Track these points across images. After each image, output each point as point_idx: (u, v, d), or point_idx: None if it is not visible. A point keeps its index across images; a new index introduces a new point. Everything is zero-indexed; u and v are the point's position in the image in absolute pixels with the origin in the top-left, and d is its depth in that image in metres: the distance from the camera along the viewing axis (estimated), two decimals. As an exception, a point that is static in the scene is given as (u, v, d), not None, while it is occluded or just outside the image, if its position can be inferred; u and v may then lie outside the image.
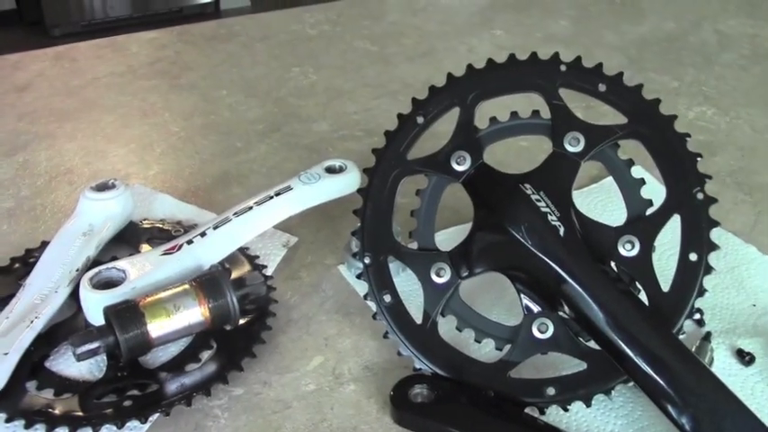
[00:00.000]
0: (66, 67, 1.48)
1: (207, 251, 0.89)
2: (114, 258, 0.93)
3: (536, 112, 0.83)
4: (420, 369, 0.81)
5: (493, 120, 0.84)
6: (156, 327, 0.79)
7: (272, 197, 0.94)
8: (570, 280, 0.77)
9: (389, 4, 1.75)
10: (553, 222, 0.78)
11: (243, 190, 1.10)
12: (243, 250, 0.95)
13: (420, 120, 0.83)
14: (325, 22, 1.63)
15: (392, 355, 0.83)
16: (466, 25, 1.62)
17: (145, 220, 1.02)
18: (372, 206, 0.83)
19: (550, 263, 0.78)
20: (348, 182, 0.97)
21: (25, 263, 0.95)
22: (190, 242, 0.89)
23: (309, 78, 1.41)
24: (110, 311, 0.79)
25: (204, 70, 1.46)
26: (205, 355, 0.83)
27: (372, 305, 0.82)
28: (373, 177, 0.83)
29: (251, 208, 0.93)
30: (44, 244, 0.96)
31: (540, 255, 0.78)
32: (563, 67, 0.82)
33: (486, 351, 0.83)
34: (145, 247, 0.96)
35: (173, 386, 0.80)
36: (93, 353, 0.78)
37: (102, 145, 1.23)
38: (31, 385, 0.80)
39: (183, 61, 1.49)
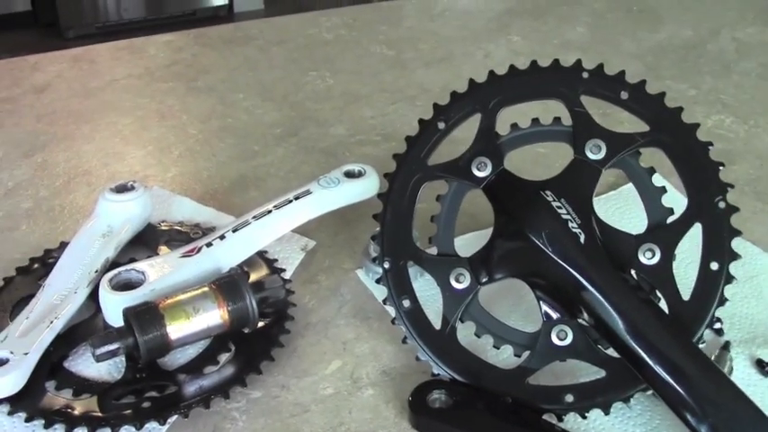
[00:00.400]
0: (85, 69, 1.48)
1: (226, 254, 0.90)
2: (133, 260, 0.93)
3: (557, 119, 0.83)
4: (438, 374, 0.80)
5: (514, 126, 0.84)
6: (176, 329, 0.79)
7: (291, 201, 0.94)
8: (590, 287, 0.77)
9: (406, 8, 1.75)
10: (574, 230, 0.78)
11: (260, 193, 1.11)
12: (261, 254, 0.95)
13: (441, 125, 0.83)
14: (341, 26, 1.64)
15: (410, 360, 0.83)
16: (483, 31, 1.63)
17: (163, 222, 1.02)
18: (392, 211, 0.83)
19: (571, 270, 0.77)
20: (367, 186, 0.98)
21: (44, 263, 0.96)
22: (209, 245, 0.90)
23: (326, 82, 1.41)
24: (129, 313, 0.80)
25: (221, 73, 1.46)
26: (223, 357, 0.84)
27: (391, 310, 0.82)
28: (394, 182, 0.83)
29: (270, 211, 0.93)
30: (63, 244, 0.96)
31: (561, 262, 0.78)
32: (585, 75, 0.82)
33: (504, 357, 0.83)
34: (163, 249, 0.96)
35: (191, 388, 0.80)
36: (112, 354, 0.78)
37: (119, 147, 1.24)
38: (50, 385, 0.81)
39: (201, 64, 1.50)
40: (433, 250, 0.84)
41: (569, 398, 0.78)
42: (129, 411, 0.78)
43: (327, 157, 1.19)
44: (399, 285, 0.82)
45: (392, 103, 1.34)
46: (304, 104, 1.34)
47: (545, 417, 0.78)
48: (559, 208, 0.79)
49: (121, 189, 0.98)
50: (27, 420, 0.77)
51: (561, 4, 1.75)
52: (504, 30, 1.62)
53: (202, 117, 1.31)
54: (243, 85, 1.41)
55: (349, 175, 0.99)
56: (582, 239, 0.78)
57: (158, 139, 1.25)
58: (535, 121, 0.84)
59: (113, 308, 0.84)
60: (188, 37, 1.61)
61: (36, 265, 0.96)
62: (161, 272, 0.87)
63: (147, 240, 0.98)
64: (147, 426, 0.76)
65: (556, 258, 0.78)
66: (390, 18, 1.69)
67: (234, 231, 0.91)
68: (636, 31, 1.61)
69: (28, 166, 1.18)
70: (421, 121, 0.84)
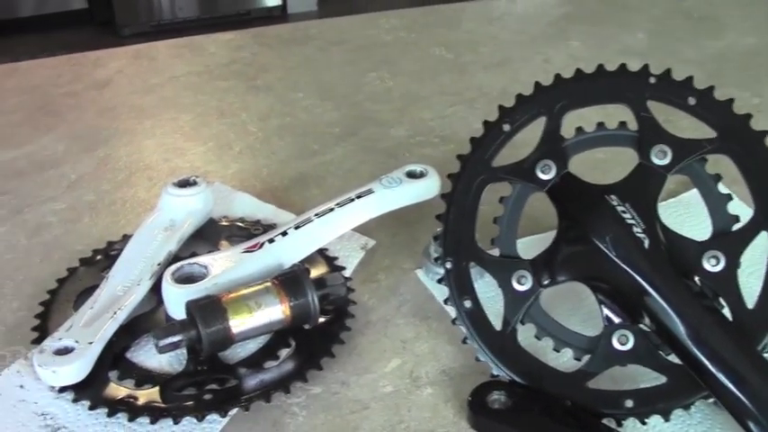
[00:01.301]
0: (145, 66, 1.50)
1: (288, 250, 0.90)
2: (194, 254, 0.94)
3: (623, 124, 0.83)
4: (498, 375, 0.80)
5: (579, 130, 0.84)
6: (238, 323, 0.80)
7: (353, 199, 0.94)
8: (653, 293, 0.76)
9: (465, 12, 1.75)
10: (638, 234, 0.78)
11: (320, 192, 1.11)
12: (322, 251, 0.96)
13: (506, 127, 0.83)
14: (400, 28, 1.64)
15: (468, 361, 0.83)
16: (541, 35, 1.62)
17: (224, 217, 1.03)
18: (456, 211, 0.83)
19: (634, 275, 0.77)
20: (428, 187, 0.98)
21: (107, 255, 0.97)
22: (271, 241, 0.90)
23: (385, 84, 1.42)
24: (193, 306, 0.80)
25: (280, 72, 1.47)
26: (283, 352, 0.84)
27: (452, 310, 0.82)
28: (458, 183, 0.83)
29: (332, 209, 0.94)
30: (125, 237, 0.98)
31: (624, 266, 0.78)
32: (652, 80, 0.82)
33: (563, 360, 0.83)
34: (224, 245, 0.97)
35: (252, 382, 0.81)
36: (174, 346, 0.79)
37: (180, 142, 1.25)
38: (112, 375, 0.82)
39: (260, 63, 1.51)
40: (495, 252, 0.84)
41: (629, 403, 0.77)
42: (190, 403, 0.79)
43: (387, 157, 1.19)
44: (461, 286, 0.82)
45: (451, 105, 1.34)
46: (363, 105, 1.35)
47: (604, 421, 0.78)
48: (624, 212, 0.79)
49: (184, 184, 0.99)
50: (91, 408, 0.78)
51: (620, 10, 1.75)
52: (563, 35, 1.61)
53: (262, 115, 1.32)
54: (302, 85, 1.42)
55: (410, 175, 0.99)
56: (646, 244, 0.78)
57: (218, 135, 1.27)
58: (600, 125, 0.84)
59: (176, 300, 0.85)
60: (247, 36, 1.63)
61: (99, 257, 0.97)
62: (223, 266, 0.88)
63: (208, 235, 0.99)
64: (207, 418, 0.77)
65: (619, 263, 0.78)
66: (449, 21, 1.70)
67: (296, 228, 0.92)
68: (696, 39, 1.60)
69: (90, 159, 1.20)
70: (486, 123, 0.84)
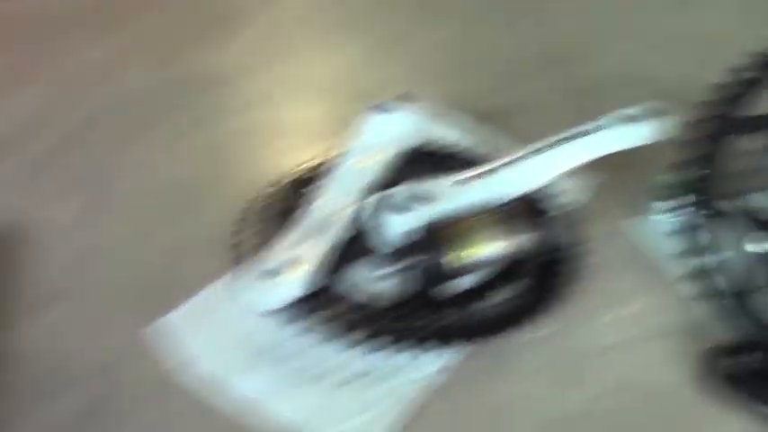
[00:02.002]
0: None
1: (510, 183, 0.85)
2: (402, 181, 0.89)
3: None
4: (732, 339, 0.75)
5: None
6: (457, 256, 0.77)
7: (581, 135, 0.87)
8: None
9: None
10: None
11: (528, 122, 1.03)
12: (539, 190, 0.90)
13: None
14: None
15: (694, 319, 0.79)
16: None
17: (431, 143, 0.98)
18: (701, 160, 0.77)
19: None
20: (661, 129, 0.90)
21: (302, 177, 0.93)
22: (491, 172, 0.85)
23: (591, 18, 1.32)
24: (414, 236, 0.78)
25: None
26: (503, 291, 0.80)
27: (682, 265, 0.78)
28: (704, 130, 0.78)
29: (559, 143, 0.87)
30: (326, 159, 0.93)
31: None
32: None
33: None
34: (432, 173, 0.92)
35: (473, 318, 0.78)
36: (391, 275, 0.77)
37: (373, 61, 1.20)
38: (322, 300, 0.79)
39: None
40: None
41: None
42: (413, 333, 0.76)
43: (601, 94, 1.08)
44: (697, 241, 0.77)
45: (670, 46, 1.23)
46: (568, 36, 1.25)
47: None
48: None
49: (389, 106, 0.95)
50: (301, 333, 0.77)
51: None
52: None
53: (460, 37, 1.25)
54: (497, 8, 1.34)
55: (644, 114, 0.90)
56: None
57: (415, 55, 1.20)
58: None
59: (390, 228, 0.81)
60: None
61: (294, 178, 0.93)
62: (441, 195, 0.83)
63: (416, 162, 0.94)
64: (431, 350, 0.76)
65: None
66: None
67: (520, 160, 0.86)
68: None
69: (271, 76, 1.15)
70: (734, 71, 0.77)
